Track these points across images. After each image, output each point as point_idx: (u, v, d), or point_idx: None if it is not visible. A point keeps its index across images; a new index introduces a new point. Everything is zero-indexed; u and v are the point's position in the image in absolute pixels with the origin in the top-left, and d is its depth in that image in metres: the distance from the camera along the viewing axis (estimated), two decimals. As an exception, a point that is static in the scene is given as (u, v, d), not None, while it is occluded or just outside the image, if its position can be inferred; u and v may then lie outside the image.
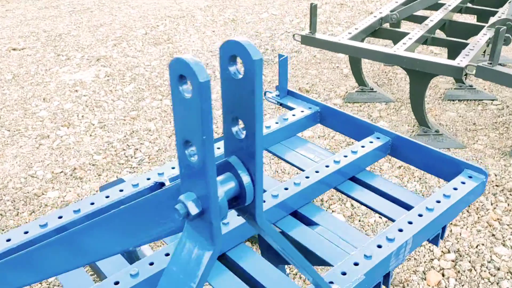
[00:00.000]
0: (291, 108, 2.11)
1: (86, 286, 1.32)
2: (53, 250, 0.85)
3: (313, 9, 3.00)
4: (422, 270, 2.10)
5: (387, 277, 1.35)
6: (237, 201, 0.65)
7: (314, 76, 4.10)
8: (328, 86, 3.92)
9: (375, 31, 3.46)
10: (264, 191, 1.66)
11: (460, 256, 2.17)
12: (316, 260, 1.40)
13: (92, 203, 1.46)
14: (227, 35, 5.10)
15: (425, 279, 2.05)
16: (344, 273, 1.23)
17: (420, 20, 3.62)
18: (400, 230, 1.37)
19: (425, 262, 2.14)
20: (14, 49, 4.87)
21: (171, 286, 0.66)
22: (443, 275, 2.06)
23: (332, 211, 2.56)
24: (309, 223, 1.55)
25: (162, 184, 1.59)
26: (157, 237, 0.75)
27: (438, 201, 1.48)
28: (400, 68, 4.04)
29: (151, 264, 1.24)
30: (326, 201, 2.62)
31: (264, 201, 1.46)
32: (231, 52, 0.64)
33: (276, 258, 1.63)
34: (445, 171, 1.68)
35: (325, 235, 1.46)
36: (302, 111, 2.05)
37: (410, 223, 1.40)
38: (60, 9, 6.21)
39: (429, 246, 2.21)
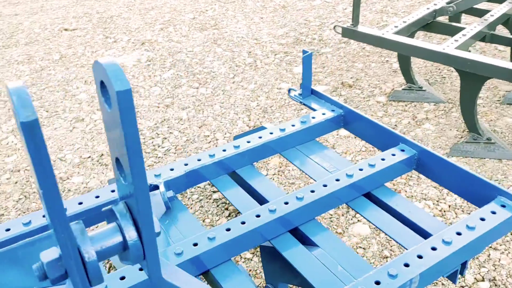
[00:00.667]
0: (313, 109, 1.94)
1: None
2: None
3: (356, 0, 2.77)
4: (447, 298, 1.88)
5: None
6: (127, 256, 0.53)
7: (360, 70, 3.85)
8: (374, 81, 3.66)
9: (427, 25, 3.16)
10: (266, 202, 1.53)
11: (496, 286, 1.92)
12: (307, 285, 1.25)
13: (80, 203, 1.40)
14: (275, 22, 4.92)
15: (449, 310, 1.83)
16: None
17: (481, 14, 3.26)
18: (406, 265, 1.18)
19: (453, 289, 1.92)
20: (65, 30, 4.99)
21: None
22: (471, 307, 1.83)
23: (358, 220, 2.37)
24: (308, 243, 1.39)
25: (155, 187, 1.49)
26: None
27: (459, 233, 1.27)
28: (456, 65, 3.70)
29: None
30: (353, 209, 2.43)
31: (229, 229, 1.32)
32: (100, 77, 0.51)
33: (278, 275, 1.50)
34: (476, 195, 1.46)
35: (323, 259, 1.31)
36: (324, 114, 1.88)
37: (420, 257, 1.21)
38: (115, -9, 6.29)
39: (460, 272, 1.98)
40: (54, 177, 0.48)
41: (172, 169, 1.57)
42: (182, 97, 3.55)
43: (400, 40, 2.70)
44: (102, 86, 0.51)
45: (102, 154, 2.92)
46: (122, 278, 1.09)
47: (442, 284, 1.96)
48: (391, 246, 2.20)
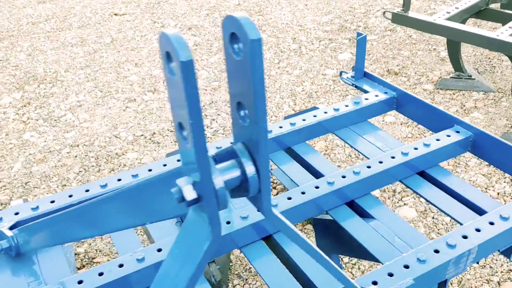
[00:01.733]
0: (366, 91, 1.98)
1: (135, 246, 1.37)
2: (69, 220, 0.89)
3: (409, -16, 2.77)
4: (497, 280, 1.89)
5: (443, 285, 1.22)
6: (241, 192, 0.61)
7: (406, 58, 3.83)
8: (421, 69, 3.64)
9: (479, 12, 3.11)
10: (322, 176, 1.59)
11: (545, 272, 1.92)
12: (364, 254, 1.31)
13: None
14: (319, 9, 4.93)
15: (498, 291, 1.85)
16: (391, 274, 1.13)
17: (537, 1, 3.19)
18: (465, 237, 1.23)
19: (501, 272, 1.93)
20: (115, 14, 5.16)
21: (171, 271, 0.64)
22: (520, 290, 1.85)
23: (404, 203, 2.40)
24: (365, 215, 1.45)
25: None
26: (164, 217, 0.73)
27: (515, 210, 1.30)
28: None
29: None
30: (399, 193, 2.46)
31: (290, 198, 1.39)
32: (231, 29, 0.59)
33: (331, 247, 1.57)
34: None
35: (379, 230, 1.37)
36: (377, 96, 1.92)
37: (478, 230, 1.25)
38: (161, -23, 6.43)
39: (509, 256, 1.99)
40: (201, 111, 0.56)
41: (219, 147, 1.66)
42: (229, 81, 3.64)
43: (453, 25, 2.68)
44: (232, 38, 0.59)
45: (154, 133, 3.05)
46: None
47: (490, 267, 1.98)
48: (438, 230, 2.22)
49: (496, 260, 1.99)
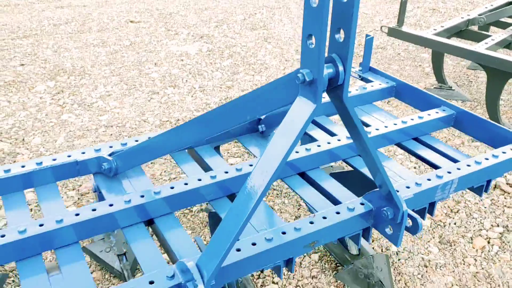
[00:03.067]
0: (371, 81, 2.46)
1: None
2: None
3: (403, 4, 3.30)
4: (470, 236, 2.36)
5: (432, 206, 1.68)
6: (332, 83, 1.05)
7: (396, 71, 4.37)
8: (408, 81, 4.17)
9: (460, 32, 3.67)
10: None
11: (508, 231, 2.39)
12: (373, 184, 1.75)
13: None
14: (318, 27, 5.48)
15: (471, 243, 2.31)
16: (397, 191, 1.57)
17: (506, 26, 3.77)
18: (449, 172, 1.69)
19: (474, 230, 2.40)
20: (131, 21, 5.61)
21: (276, 145, 1.07)
22: (488, 242, 2.31)
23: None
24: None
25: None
26: (277, 107, 1.17)
27: (487, 158, 1.77)
28: (482, 72, 4.20)
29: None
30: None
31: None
32: None
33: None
34: (496, 140, 1.96)
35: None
36: (380, 84, 2.40)
37: (458, 169, 1.71)
38: (171, -8, 6.93)
39: (480, 219, 2.46)
40: (327, 26, 0.99)
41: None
42: (241, 82, 4.10)
43: (439, 39, 3.22)
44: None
45: (178, 119, 3.47)
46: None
47: (465, 227, 2.44)
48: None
49: (469, 222, 2.46)
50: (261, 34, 5.25)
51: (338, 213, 1.48)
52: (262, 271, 2.12)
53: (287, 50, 4.82)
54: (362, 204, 1.52)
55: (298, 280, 2.09)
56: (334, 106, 1.15)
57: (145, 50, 4.76)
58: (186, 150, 1.97)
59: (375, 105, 2.38)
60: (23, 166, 1.65)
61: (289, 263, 1.42)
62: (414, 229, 1.47)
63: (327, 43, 1.04)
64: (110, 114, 3.50)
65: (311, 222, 1.43)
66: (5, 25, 5.35)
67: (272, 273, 2.12)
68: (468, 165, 1.74)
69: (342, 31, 1.02)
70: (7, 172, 1.62)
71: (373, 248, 2.26)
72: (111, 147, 1.80)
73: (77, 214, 1.44)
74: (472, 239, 2.34)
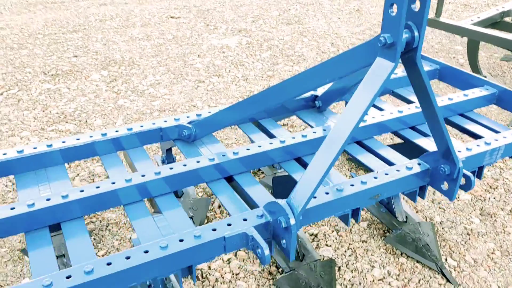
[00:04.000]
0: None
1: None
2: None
3: (441, -4, 3.46)
4: (509, 208, 2.51)
5: (480, 170, 1.85)
6: (408, 46, 1.25)
7: (430, 62, 4.51)
8: (443, 71, 4.31)
9: (495, 23, 3.80)
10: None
11: None
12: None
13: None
14: (352, 22, 5.66)
15: (510, 215, 2.46)
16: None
17: (542, 17, 3.89)
18: (496, 140, 1.86)
19: (513, 205, 2.55)
20: (172, 17, 5.88)
21: (365, 86, 1.27)
22: (527, 214, 2.46)
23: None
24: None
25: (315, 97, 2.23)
26: (357, 68, 1.37)
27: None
28: (515, 62, 4.31)
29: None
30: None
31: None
32: None
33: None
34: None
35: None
36: (424, 67, 2.57)
37: (504, 137, 1.88)
38: (206, -10, 7.20)
39: (519, 195, 2.61)
40: None
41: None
42: (281, 72, 4.31)
43: (476, 29, 3.36)
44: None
45: (225, 105, 3.69)
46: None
47: (504, 201, 2.59)
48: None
49: (508, 196, 2.61)
50: (297, 29, 5.45)
51: (398, 170, 1.68)
52: (316, 236, 2.32)
53: (322, 43, 5.00)
54: (419, 164, 1.71)
55: (349, 244, 2.29)
56: (406, 72, 1.35)
57: (187, 43, 5.01)
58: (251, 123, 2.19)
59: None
60: (116, 131, 1.89)
61: (355, 213, 1.62)
62: (467, 187, 1.65)
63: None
64: (162, 100, 3.75)
65: (375, 177, 1.63)
66: (54, 21, 5.69)
67: (324, 237, 2.31)
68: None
69: (418, 2, 1.21)
70: (104, 136, 1.86)
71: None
72: (188, 117, 2.03)
73: (171, 168, 1.67)
74: (511, 212, 2.49)
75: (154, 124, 1.96)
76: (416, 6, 1.22)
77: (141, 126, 1.94)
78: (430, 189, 2.61)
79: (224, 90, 3.95)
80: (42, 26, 5.48)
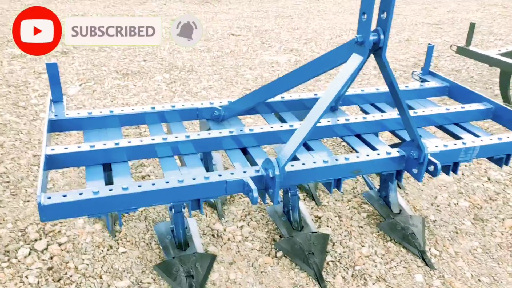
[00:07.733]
0: (428, 81, 2.98)
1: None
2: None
3: (471, 26, 3.76)
4: (502, 217, 2.74)
5: (456, 165, 2.17)
6: (376, 47, 1.65)
7: (466, 91, 4.73)
8: (476, 99, 4.53)
9: (525, 55, 4.01)
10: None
11: (540, 219, 2.74)
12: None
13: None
14: (398, 49, 5.98)
15: (502, 222, 2.70)
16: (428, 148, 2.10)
17: None
18: (472, 141, 2.18)
19: (507, 214, 2.77)
20: (233, 35, 6.51)
21: (341, 74, 1.68)
22: (518, 223, 2.68)
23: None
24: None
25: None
26: (337, 65, 1.79)
27: (508, 137, 2.23)
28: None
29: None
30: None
31: None
32: None
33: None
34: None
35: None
36: (435, 84, 2.91)
37: (482, 140, 2.20)
38: (268, 13, 7.82)
39: (516, 207, 2.83)
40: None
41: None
42: (321, 87, 4.73)
43: (504, 59, 3.62)
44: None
45: (265, 110, 4.16)
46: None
47: (500, 211, 2.81)
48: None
49: (505, 207, 2.83)
50: (345, 52, 5.86)
51: (378, 154, 2.05)
52: (319, 218, 2.69)
53: (365, 66, 5.37)
54: (398, 151, 2.07)
55: (348, 227, 2.64)
56: (378, 66, 1.76)
57: (242, 57, 5.58)
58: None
59: (429, 100, 2.88)
60: (163, 107, 2.41)
61: (338, 183, 2.01)
62: (434, 172, 1.98)
63: (375, 20, 1.65)
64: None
65: (357, 157, 2.01)
66: (131, 31, 6.50)
67: (327, 220, 2.68)
68: (490, 139, 2.21)
69: (385, 13, 1.63)
70: (153, 109, 2.38)
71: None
72: (221, 102, 2.52)
73: (198, 134, 2.15)
74: (503, 220, 2.73)
75: (192, 105, 2.47)
76: (384, 15, 1.63)
77: (182, 105, 2.45)
78: (431, 194, 2.92)
79: (266, 98, 4.43)
80: (121, 34, 6.29)
